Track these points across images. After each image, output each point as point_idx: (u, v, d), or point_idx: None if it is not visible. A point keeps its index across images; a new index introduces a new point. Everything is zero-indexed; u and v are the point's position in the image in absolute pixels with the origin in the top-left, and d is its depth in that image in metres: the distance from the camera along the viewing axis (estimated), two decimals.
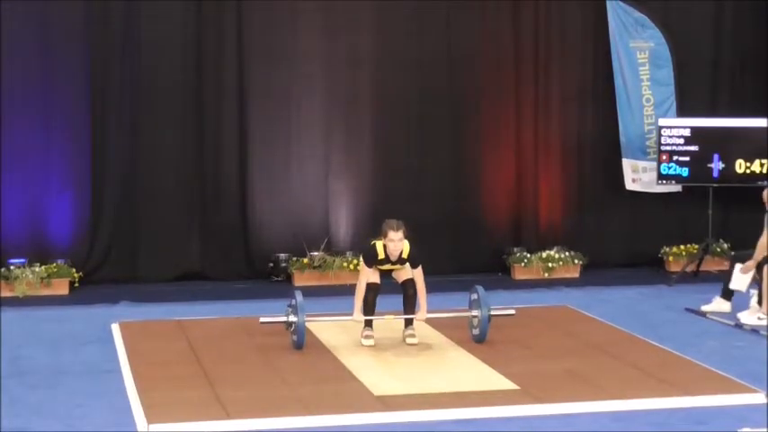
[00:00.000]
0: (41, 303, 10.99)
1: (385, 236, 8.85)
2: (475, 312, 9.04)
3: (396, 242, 8.81)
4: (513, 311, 9.32)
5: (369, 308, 8.97)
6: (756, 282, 10.10)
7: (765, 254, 9.93)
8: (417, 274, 8.94)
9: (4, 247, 11.63)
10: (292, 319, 8.82)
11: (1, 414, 7.13)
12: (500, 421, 7.01)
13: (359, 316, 8.91)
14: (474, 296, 9.09)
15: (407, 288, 8.98)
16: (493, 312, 8.98)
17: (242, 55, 12.17)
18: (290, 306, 8.92)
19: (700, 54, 13.04)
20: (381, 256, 8.91)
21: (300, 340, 8.81)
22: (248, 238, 12.29)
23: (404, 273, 9.01)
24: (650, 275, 12.52)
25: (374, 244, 8.94)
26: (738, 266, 10.14)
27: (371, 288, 8.93)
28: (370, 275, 8.92)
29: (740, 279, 10.11)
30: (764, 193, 10.18)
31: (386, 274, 9.11)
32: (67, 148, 11.85)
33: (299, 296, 8.86)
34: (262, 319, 9.03)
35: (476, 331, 9.05)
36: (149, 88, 11.99)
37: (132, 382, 7.84)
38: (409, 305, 9.04)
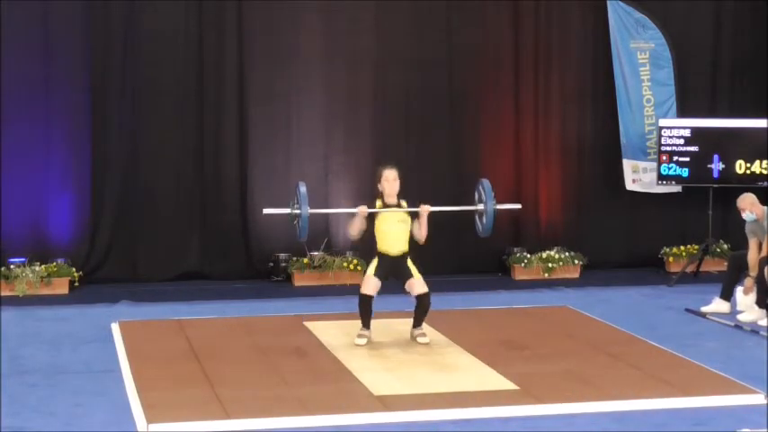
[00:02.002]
0: (41, 303, 10.99)
1: (380, 178, 9.02)
2: (480, 206, 9.12)
3: (391, 181, 8.96)
4: (518, 206, 9.88)
5: (365, 315, 8.97)
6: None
7: (756, 272, 9.96)
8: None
9: (4, 247, 11.63)
10: (296, 211, 8.84)
11: (1, 413, 7.13)
12: (500, 421, 7.01)
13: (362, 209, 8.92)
14: (480, 190, 9.16)
15: (422, 299, 8.95)
16: (498, 207, 9.10)
17: (242, 55, 12.18)
18: (294, 201, 8.95)
19: (700, 54, 13.05)
20: (379, 205, 9.01)
21: (304, 231, 8.85)
22: (248, 238, 12.29)
23: (417, 285, 8.99)
24: (650, 276, 12.52)
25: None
26: (739, 290, 10.13)
27: (364, 299, 8.91)
28: (370, 284, 8.92)
29: (746, 302, 10.05)
30: (738, 201, 10.18)
31: (395, 267, 9.02)
32: (67, 148, 11.86)
33: (302, 186, 8.91)
34: (265, 211, 9.30)
35: (481, 225, 9.15)
36: (149, 88, 12.00)
37: (132, 382, 7.83)
38: (420, 314, 9.03)
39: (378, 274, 8.95)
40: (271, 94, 12.26)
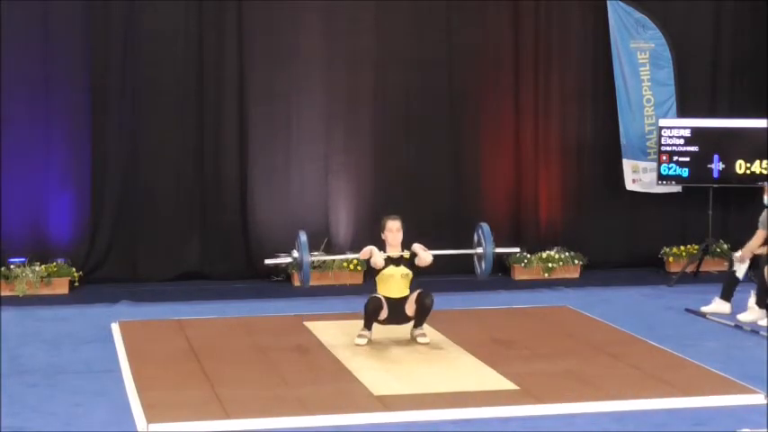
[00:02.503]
0: (41, 303, 10.99)
1: (383, 229, 9.00)
2: (479, 250, 9.11)
3: (394, 232, 8.95)
4: (517, 249, 10.06)
5: (370, 315, 8.96)
6: (753, 281, 10.11)
7: (756, 252, 10.00)
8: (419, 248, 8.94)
9: (4, 247, 11.63)
10: (297, 258, 8.90)
11: (1, 413, 7.13)
12: (500, 421, 7.01)
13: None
14: (479, 233, 9.15)
15: (422, 298, 8.96)
16: (497, 250, 9.09)
17: (242, 55, 12.18)
18: (294, 249, 8.97)
19: (700, 54, 13.05)
20: (384, 257, 8.95)
21: (306, 279, 8.88)
22: (248, 238, 12.29)
23: (412, 296, 8.99)
24: (650, 276, 12.52)
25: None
26: (736, 255, 10.19)
27: (374, 301, 8.91)
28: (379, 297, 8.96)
29: (739, 268, 10.14)
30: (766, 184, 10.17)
31: (395, 309, 9.02)
32: (67, 148, 11.86)
33: (302, 236, 8.90)
34: (267, 261, 9.36)
35: (479, 269, 9.15)
36: (149, 88, 12.00)
37: (132, 382, 7.83)
38: (421, 315, 9.03)
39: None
40: (271, 94, 12.25)
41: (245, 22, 12.14)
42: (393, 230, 8.98)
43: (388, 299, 8.97)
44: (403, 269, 8.98)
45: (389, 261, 8.96)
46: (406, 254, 8.98)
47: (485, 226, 9.15)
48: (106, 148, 11.95)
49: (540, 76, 12.77)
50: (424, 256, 8.93)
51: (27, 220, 11.79)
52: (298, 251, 8.94)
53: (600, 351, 8.82)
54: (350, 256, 9.62)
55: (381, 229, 9.07)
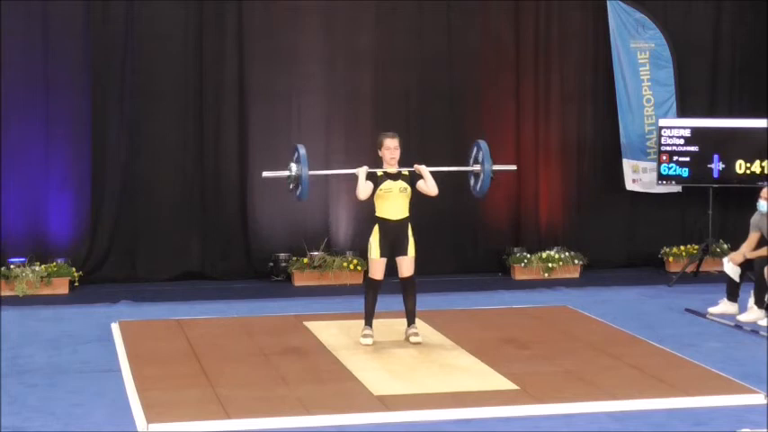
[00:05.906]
0: (41, 302, 10.99)
1: (381, 146, 8.92)
2: (477, 167, 9.04)
3: (392, 150, 8.86)
4: (514, 167, 9.96)
5: (370, 307, 8.96)
6: (752, 281, 10.11)
7: (749, 256, 10.00)
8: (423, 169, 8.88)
9: (4, 247, 11.64)
10: (296, 172, 8.80)
11: (1, 413, 7.13)
12: (500, 421, 7.01)
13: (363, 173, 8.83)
14: (476, 151, 9.08)
15: (407, 286, 8.95)
16: (495, 168, 9.02)
17: (242, 55, 12.18)
18: (294, 161, 8.88)
19: (700, 54, 13.06)
20: (380, 173, 8.87)
21: (304, 193, 8.79)
22: (248, 238, 12.29)
23: (406, 264, 8.95)
24: (650, 276, 12.53)
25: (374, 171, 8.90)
26: (725, 259, 10.21)
27: (373, 285, 8.90)
28: (378, 268, 8.87)
29: (735, 270, 10.16)
30: (765, 190, 10.15)
31: (395, 235, 8.86)
32: (67, 148, 11.86)
33: (301, 149, 8.84)
34: (264, 174, 9.15)
35: (477, 186, 9.11)
36: (149, 88, 12.00)
37: (132, 382, 7.83)
38: (409, 303, 9.01)
39: (383, 251, 8.85)
40: (271, 94, 12.25)
41: (245, 22, 12.15)
42: (391, 148, 8.87)
43: (387, 222, 8.84)
44: (401, 183, 8.86)
45: (387, 176, 8.85)
46: (405, 171, 8.87)
47: (482, 143, 9.06)
48: (106, 148, 11.96)
49: (540, 76, 12.78)
50: (431, 182, 8.81)
51: (27, 220, 11.80)
52: (297, 164, 8.81)
53: (600, 351, 8.82)
54: (346, 171, 9.44)
55: (378, 146, 8.97)
